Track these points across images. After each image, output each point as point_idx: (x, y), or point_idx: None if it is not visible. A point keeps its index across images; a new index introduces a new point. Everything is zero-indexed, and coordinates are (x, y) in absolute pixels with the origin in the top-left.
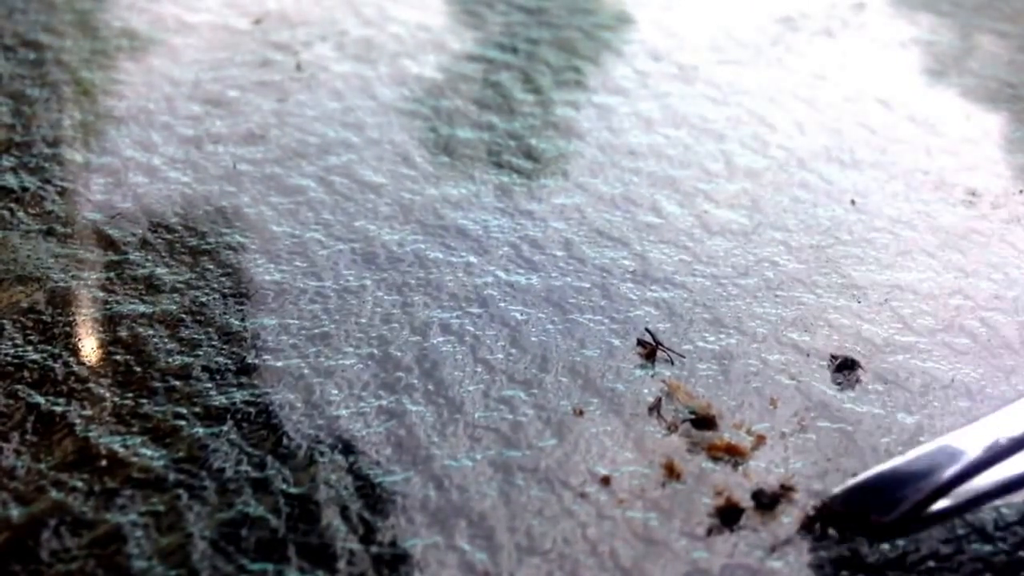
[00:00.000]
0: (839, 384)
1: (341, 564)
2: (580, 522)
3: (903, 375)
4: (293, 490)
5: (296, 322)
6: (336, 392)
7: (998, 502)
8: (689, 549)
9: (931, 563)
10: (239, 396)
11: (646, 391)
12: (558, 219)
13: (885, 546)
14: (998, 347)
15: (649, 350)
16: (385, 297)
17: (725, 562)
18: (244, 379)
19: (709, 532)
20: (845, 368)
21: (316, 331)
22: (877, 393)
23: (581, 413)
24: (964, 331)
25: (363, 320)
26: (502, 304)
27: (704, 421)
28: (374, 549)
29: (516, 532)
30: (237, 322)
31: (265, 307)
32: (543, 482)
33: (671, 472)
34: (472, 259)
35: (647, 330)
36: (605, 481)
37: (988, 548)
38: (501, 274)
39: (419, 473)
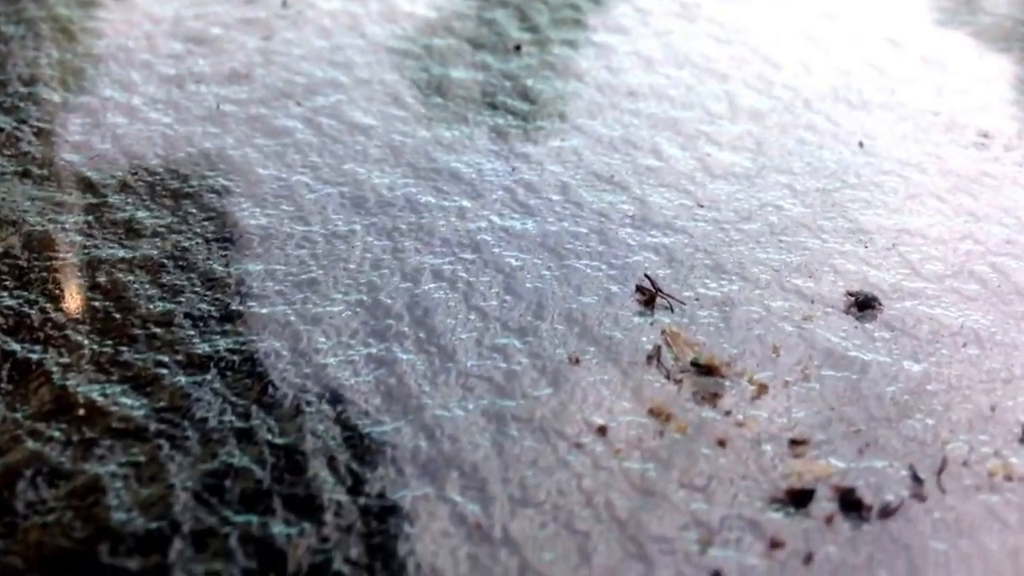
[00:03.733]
0: (860, 320)
1: (328, 516)
2: (575, 473)
3: (910, 322)
4: (279, 440)
5: (282, 268)
6: (324, 340)
7: None
8: (688, 500)
9: None
10: (223, 344)
11: (645, 339)
12: (555, 162)
13: None
14: (1009, 293)
15: (648, 297)
16: (375, 242)
17: (725, 513)
18: (228, 326)
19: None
20: (865, 307)
21: (303, 277)
22: (884, 340)
23: (577, 361)
24: (974, 277)
25: (352, 266)
26: (496, 250)
27: (705, 369)
28: (362, 501)
29: (509, 483)
30: (221, 268)
31: (250, 252)
32: (537, 432)
33: (670, 422)
34: (465, 203)
35: (646, 276)
36: (601, 431)
37: None
38: (495, 219)
39: (409, 423)
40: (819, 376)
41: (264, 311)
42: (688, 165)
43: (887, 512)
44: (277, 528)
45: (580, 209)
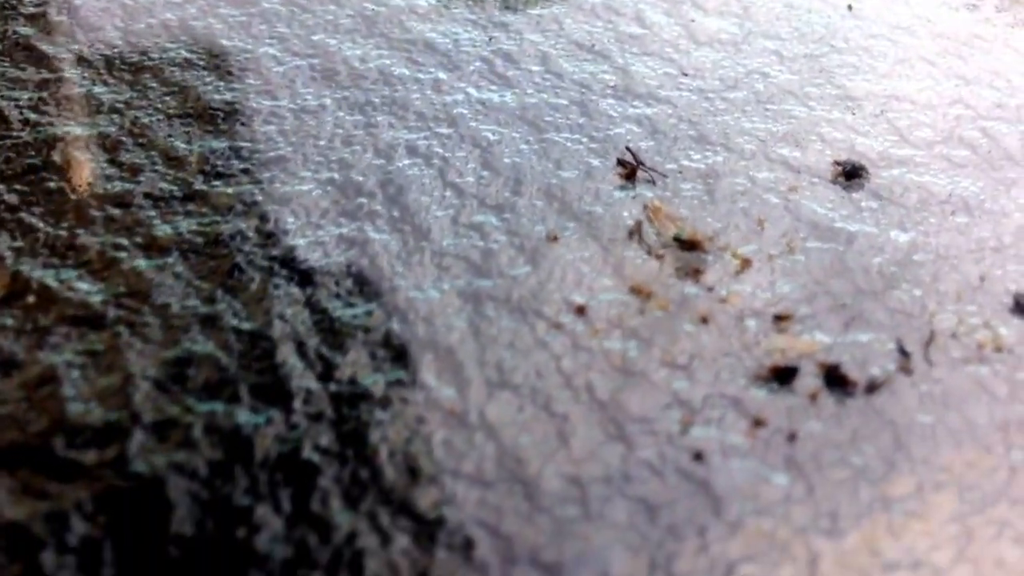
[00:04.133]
0: (847, 189)
1: (297, 403)
2: (554, 354)
3: (898, 190)
4: (245, 325)
5: (248, 145)
6: (292, 220)
7: None
8: (669, 379)
9: None
10: (185, 225)
11: (626, 214)
12: (534, 31)
13: None
14: (999, 159)
15: (630, 170)
16: (346, 117)
17: (707, 391)
18: (191, 207)
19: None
20: (852, 176)
21: (271, 155)
22: (871, 210)
23: (556, 239)
24: (964, 142)
25: (322, 142)
26: (473, 123)
27: (688, 244)
28: (333, 387)
29: (486, 366)
30: (183, 145)
31: (214, 129)
32: (515, 313)
33: (651, 299)
34: (441, 75)
35: (628, 149)
36: (581, 310)
37: None
38: (472, 91)
39: (382, 306)
40: (804, 249)
41: (229, 190)
42: (672, 32)
43: (873, 387)
44: (243, 417)
45: (560, 80)
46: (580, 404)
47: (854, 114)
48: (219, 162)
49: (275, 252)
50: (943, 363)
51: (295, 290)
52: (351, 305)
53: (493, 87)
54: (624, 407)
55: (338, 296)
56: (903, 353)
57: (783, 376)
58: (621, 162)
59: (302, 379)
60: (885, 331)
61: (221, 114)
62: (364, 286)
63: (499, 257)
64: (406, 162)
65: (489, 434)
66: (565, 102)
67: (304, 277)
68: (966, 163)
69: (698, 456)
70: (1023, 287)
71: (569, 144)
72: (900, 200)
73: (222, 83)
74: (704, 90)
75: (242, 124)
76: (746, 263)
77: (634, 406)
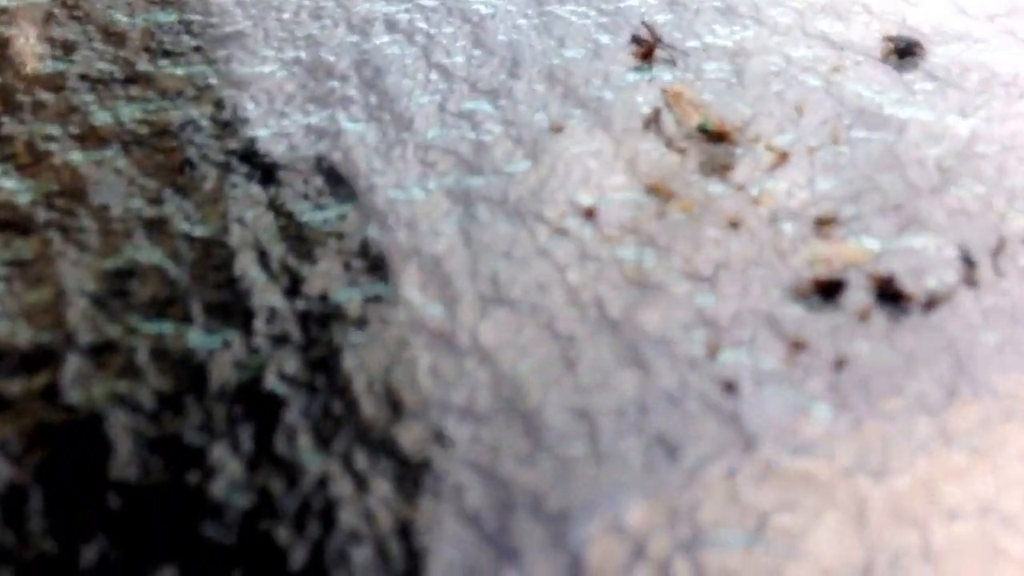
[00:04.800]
0: (898, 69)
1: (258, 323)
2: (558, 265)
3: (956, 70)
4: (198, 231)
5: (200, 18)
6: (253, 107)
7: None
8: (693, 294)
9: None
10: (128, 112)
11: (641, 100)
12: None
13: None
14: None
15: (646, 48)
16: None
17: (736, 308)
18: (134, 90)
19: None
20: (905, 54)
21: (227, 30)
22: (925, 93)
23: (560, 129)
24: None
25: (287, 15)
26: None
27: (714, 136)
28: (300, 304)
29: (479, 278)
30: (124, 18)
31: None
32: (512, 216)
33: (671, 200)
34: None
35: (644, 23)
36: (589, 213)
37: None
38: None
39: (358, 208)
40: (849, 139)
41: (179, 71)
42: None
43: (932, 302)
44: (196, 339)
45: None
46: (588, 323)
47: None
48: (166, 38)
49: (232, 144)
50: (1013, 273)
51: (256, 189)
52: (321, 207)
53: None
54: (640, 327)
55: (306, 196)
56: (967, 262)
57: (827, 290)
58: (636, 39)
59: (264, 295)
60: (945, 236)
61: None
62: (336, 185)
63: (493, 151)
64: (385, 39)
65: (483, 359)
66: None
67: (266, 174)
68: None
69: (727, 386)
70: None
71: (574, 18)
72: (959, 81)
73: None
74: None
75: None
76: (782, 157)
77: (652, 326)
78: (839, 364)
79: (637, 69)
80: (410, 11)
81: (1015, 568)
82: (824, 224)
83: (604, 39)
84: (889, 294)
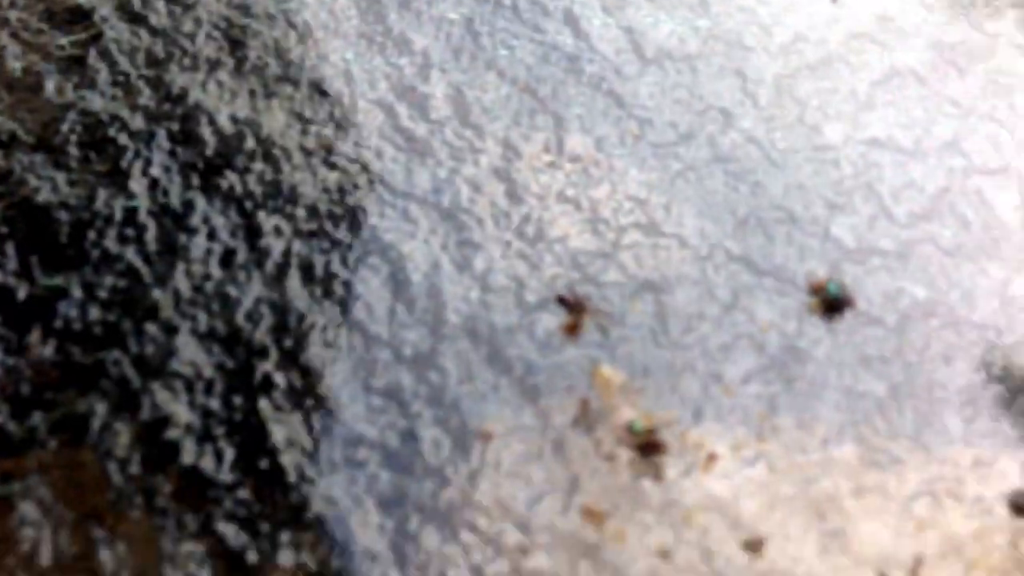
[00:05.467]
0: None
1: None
2: None
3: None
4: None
5: (111, 281)
6: (170, 396)
7: None
8: None
9: None
10: None
11: (570, 382)
12: None
13: None
14: None
15: (572, 319)
16: None
17: None
18: None
19: None
20: (834, 308)
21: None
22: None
23: (490, 437)
24: None
25: (196, 268)
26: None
27: (644, 437)
28: None
29: None
30: None
31: None
32: (444, 527)
33: (603, 524)
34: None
35: (569, 292)
36: (521, 547)
37: None
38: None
39: (290, 533)
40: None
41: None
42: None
43: None
44: None
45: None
46: None
47: None
48: (70, 312)
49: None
50: None
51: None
52: (256, 535)
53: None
54: None
55: (235, 517)
56: None
57: None
58: (562, 300)
59: None
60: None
61: None
62: (265, 505)
63: (423, 445)
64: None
65: None
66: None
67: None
68: None
69: None
70: None
71: (496, 251)
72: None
73: None
74: None
75: None
76: (711, 459)
77: None
78: None
79: (565, 339)
80: (326, 252)
81: None
82: (753, 549)
83: (530, 291)
84: None
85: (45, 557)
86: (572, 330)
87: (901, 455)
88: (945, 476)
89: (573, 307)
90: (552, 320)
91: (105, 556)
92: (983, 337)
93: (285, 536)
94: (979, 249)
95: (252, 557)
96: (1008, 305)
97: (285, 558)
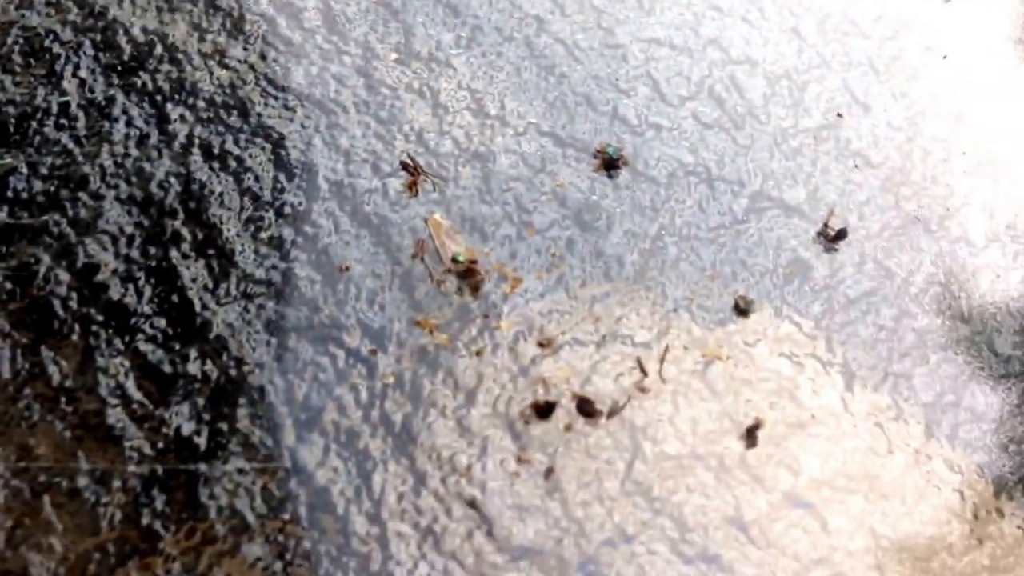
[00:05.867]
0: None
1: None
2: (353, 386)
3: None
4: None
5: (49, 160)
6: (99, 250)
7: None
8: (456, 407)
9: None
10: None
11: (411, 228)
12: None
13: None
14: None
15: (411, 179)
16: None
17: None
18: None
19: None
20: (612, 166)
21: (70, 171)
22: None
23: (348, 268)
24: None
25: (118, 149)
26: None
27: (465, 266)
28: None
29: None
30: None
31: None
32: (317, 343)
33: (434, 333)
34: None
35: (407, 155)
36: (373, 352)
37: None
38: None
39: (198, 346)
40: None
41: (32, 221)
42: None
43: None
44: None
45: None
46: (378, 437)
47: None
48: (15, 182)
49: (85, 289)
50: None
51: (111, 334)
52: (169, 349)
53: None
54: (415, 435)
55: (155, 340)
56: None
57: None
58: (404, 166)
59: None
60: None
61: None
62: (179, 325)
63: (299, 281)
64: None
65: (300, 482)
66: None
67: (122, 319)
68: None
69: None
70: None
71: (358, 131)
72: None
73: None
74: None
75: None
76: (517, 282)
77: (424, 434)
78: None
79: (411, 199)
80: (222, 134)
81: None
82: (544, 346)
83: (384, 162)
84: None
85: (5, 371)
86: (412, 188)
87: (666, 280)
88: (696, 292)
89: (412, 170)
90: (400, 184)
91: (53, 370)
92: (730, 189)
93: (193, 352)
94: (731, 122)
95: (167, 368)
96: (749, 163)
97: (193, 368)
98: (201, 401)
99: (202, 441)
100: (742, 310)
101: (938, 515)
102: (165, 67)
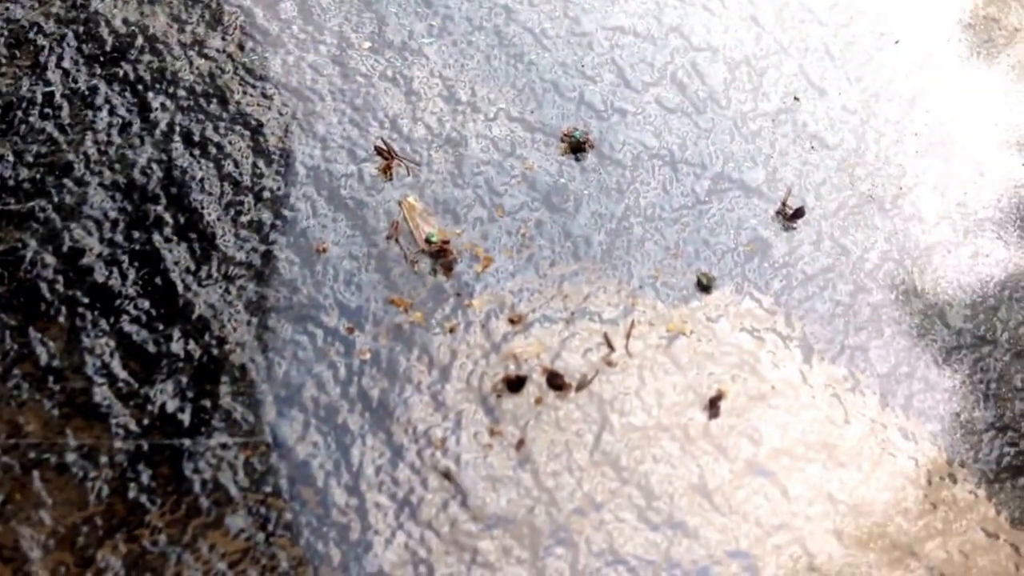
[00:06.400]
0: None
1: None
2: (332, 363)
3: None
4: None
5: (35, 148)
6: (84, 236)
7: None
8: (431, 383)
9: None
10: None
11: (385, 209)
12: None
13: None
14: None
15: (385, 164)
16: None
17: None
18: None
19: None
20: (578, 149)
21: (55, 158)
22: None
23: (325, 249)
24: None
25: (101, 136)
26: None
27: (438, 246)
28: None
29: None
30: None
31: None
32: (296, 322)
33: (409, 311)
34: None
35: (381, 140)
36: (351, 329)
37: None
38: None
39: (180, 327)
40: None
41: (19, 207)
42: None
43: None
44: None
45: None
46: (356, 413)
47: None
48: None
49: (72, 275)
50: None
51: (97, 317)
52: (153, 331)
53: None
54: (392, 411)
55: (139, 321)
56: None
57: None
58: (378, 150)
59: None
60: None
61: None
62: (162, 307)
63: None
64: (184, 154)
65: (280, 456)
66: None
67: (106, 302)
68: None
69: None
70: None
71: (334, 118)
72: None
73: None
74: None
75: None
76: (488, 262)
77: (401, 410)
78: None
79: (385, 183)
80: (202, 122)
81: None
82: (515, 323)
83: (359, 148)
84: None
85: None
86: (386, 172)
87: (632, 259)
88: (661, 270)
89: (386, 155)
90: (375, 168)
91: (40, 350)
92: (692, 171)
93: (176, 332)
94: (693, 107)
95: (151, 347)
96: (711, 146)
97: (176, 347)
98: (184, 379)
99: (186, 417)
100: (704, 287)
101: (893, 481)
102: (146, 57)
